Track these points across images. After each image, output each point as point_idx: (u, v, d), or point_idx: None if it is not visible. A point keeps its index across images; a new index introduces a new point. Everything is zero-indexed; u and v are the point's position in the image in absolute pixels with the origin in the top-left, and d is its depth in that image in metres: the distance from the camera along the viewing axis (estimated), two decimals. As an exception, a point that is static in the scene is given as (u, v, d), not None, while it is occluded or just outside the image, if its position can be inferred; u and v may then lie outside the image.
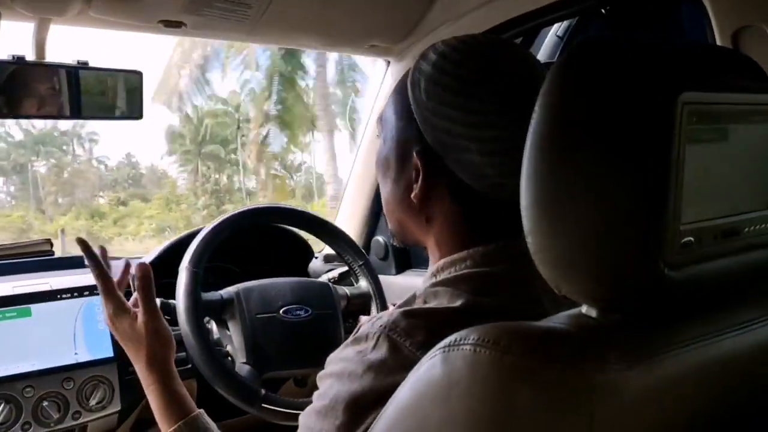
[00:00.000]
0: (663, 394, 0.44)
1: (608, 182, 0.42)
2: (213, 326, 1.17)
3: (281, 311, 1.16)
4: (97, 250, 0.94)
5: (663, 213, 0.41)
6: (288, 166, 19.83)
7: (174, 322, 1.05)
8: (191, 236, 1.17)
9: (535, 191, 0.44)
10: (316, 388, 0.62)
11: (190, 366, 1.11)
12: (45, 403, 1.03)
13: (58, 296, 1.11)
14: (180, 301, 1.06)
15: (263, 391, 1.05)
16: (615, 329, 0.44)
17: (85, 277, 1.15)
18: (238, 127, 20.14)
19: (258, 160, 18.76)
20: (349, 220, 1.64)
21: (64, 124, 21.75)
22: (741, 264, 0.48)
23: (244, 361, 1.10)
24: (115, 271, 0.96)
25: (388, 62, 1.52)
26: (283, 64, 17.05)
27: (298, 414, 0.63)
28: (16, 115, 1.07)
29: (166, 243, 1.33)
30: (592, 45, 0.45)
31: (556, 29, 1.43)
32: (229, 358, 1.12)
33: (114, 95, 1.11)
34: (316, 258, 1.56)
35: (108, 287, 0.92)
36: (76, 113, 1.09)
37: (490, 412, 0.42)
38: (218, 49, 16.93)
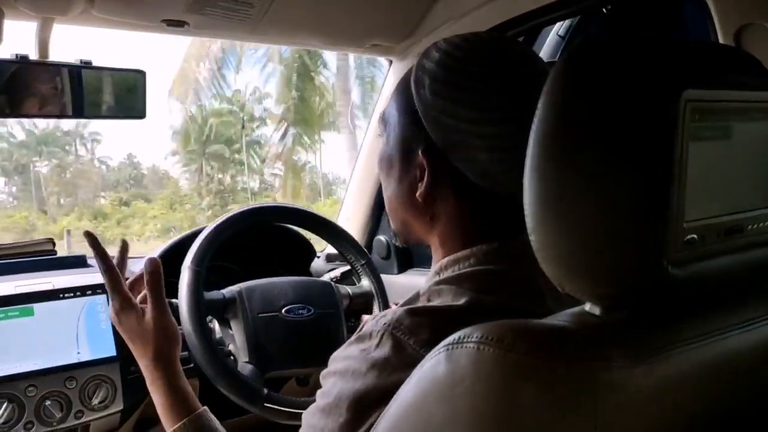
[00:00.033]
0: (666, 392, 0.44)
1: (611, 180, 0.42)
2: (215, 325, 1.17)
3: (283, 310, 1.16)
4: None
5: (666, 211, 0.41)
6: (296, 165, 19.67)
7: (176, 321, 1.05)
8: (193, 235, 1.17)
9: (538, 189, 0.44)
10: (318, 387, 0.62)
11: (192, 365, 1.11)
12: (47, 403, 1.03)
13: (61, 295, 1.11)
14: (182, 300, 1.06)
15: (266, 391, 1.05)
16: (618, 327, 0.44)
17: (87, 277, 1.15)
18: (243, 127, 20.09)
19: (279, 159, 18.49)
20: (352, 220, 1.64)
21: (67, 124, 21.81)
22: (744, 262, 0.48)
23: (247, 360, 1.10)
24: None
25: (391, 61, 1.52)
26: (305, 58, 16.76)
27: (301, 413, 0.63)
28: (19, 115, 1.07)
29: (168, 242, 1.33)
30: (594, 44, 0.45)
31: (558, 28, 1.43)
32: (232, 358, 1.12)
33: (117, 94, 1.12)
34: (318, 257, 1.56)
35: (115, 282, 0.92)
36: (79, 112, 1.09)
37: (493, 410, 0.42)
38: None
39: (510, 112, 0.60)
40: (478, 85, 0.61)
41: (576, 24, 1.42)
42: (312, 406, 0.61)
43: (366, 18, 1.29)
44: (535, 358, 0.41)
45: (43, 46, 1.05)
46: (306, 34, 1.34)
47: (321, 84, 17.84)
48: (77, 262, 1.25)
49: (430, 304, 0.61)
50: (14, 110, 1.05)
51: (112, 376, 1.09)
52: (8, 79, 1.02)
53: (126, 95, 1.12)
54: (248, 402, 1.04)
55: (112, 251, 0.95)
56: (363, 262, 1.29)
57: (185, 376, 0.92)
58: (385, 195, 0.72)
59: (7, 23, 1.02)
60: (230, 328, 1.14)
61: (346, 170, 16.25)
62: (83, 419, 1.06)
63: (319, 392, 0.61)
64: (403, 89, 0.67)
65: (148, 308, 0.91)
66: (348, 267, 1.33)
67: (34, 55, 1.05)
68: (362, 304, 1.27)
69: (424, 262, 1.60)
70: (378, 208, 1.61)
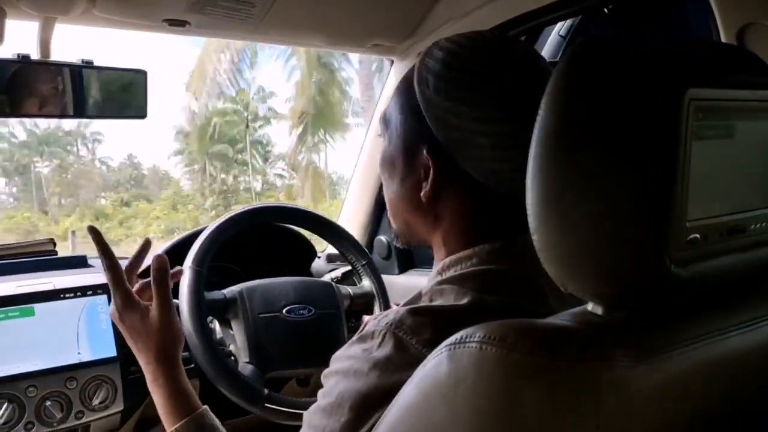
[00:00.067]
0: (669, 392, 0.44)
1: (614, 180, 0.42)
2: (216, 326, 1.17)
3: (284, 311, 1.16)
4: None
5: (669, 210, 0.41)
6: (314, 164, 19.46)
7: (177, 321, 1.05)
8: (194, 235, 1.17)
9: (541, 189, 0.44)
10: (318, 387, 0.62)
11: (193, 365, 1.11)
12: (48, 403, 1.03)
13: (61, 296, 1.11)
14: (183, 300, 1.06)
15: (266, 391, 1.05)
16: (621, 327, 0.44)
17: (88, 277, 1.15)
18: (247, 126, 20.01)
19: (292, 159, 18.11)
20: (352, 220, 1.64)
21: (69, 124, 21.82)
22: (746, 261, 0.48)
23: (247, 360, 1.10)
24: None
25: (392, 61, 1.52)
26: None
27: (302, 413, 0.63)
28: (20, 114, 1.07)
29: (169, 242, 1.33)
30: (596, 44, 0.45)
31: (559, 28, 1.43)
32: (232, 358, 1.12)
33: (118, 94, 1.11)
34: (319, 257, 1.56)
35: (117, 279, 0.89)
36: (80, 112, 1.09)
37: (496, 410, 0.41)
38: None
39: (514, 110, 0.60)
40: (482, 83, 0.61)
41: (577, 24, 1.42)
42: (313, 406, 0.61)
43: (367, 18, 1.29)
44: (538, 358, 0.41)
45: (45, 45, 1.05)
46: (307, 33, 1.34)
47: (341, 78, 17.50)
48: (78, 263, 1.25)
49: (433, 303, 0.61)
50: (15, 110, 1.05)
51: (113, 376, 1.09)
52: (9, 78, 1.02)
53: (127, 95, 1.12)
54: (249, 402, 1.04)
55: (116, 252, 0.94)
56: (364, 262, 1.29)
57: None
58: (387, 196, 0.72)
59: (9, 23, 1.02)
60: (231, 329, 1.14)
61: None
62: (84, 419, 1.06)
63: (320, 392, 0.61)
64: (405, 89, 0.67)
65: (154, 305, 0.89)
66: (349, 267, 1.33)
67: (35, 55, 1.05)
68: (363, 304, 1.27)
69: (425, 262, 1.60)
70: (379, 208, 1.61)
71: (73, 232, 15.00)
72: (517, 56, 0.63)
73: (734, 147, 0.45)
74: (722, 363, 0.48)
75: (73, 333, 1.09)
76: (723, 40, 0.90)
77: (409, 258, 1.63)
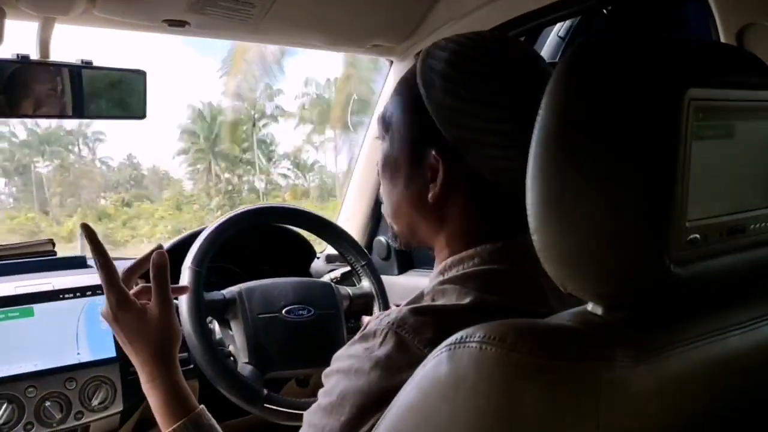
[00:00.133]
0: (668, 391, 0.44)
1: (614, 180, 0.42)
2: (215, 326, 1.17)
3: (283, 311, 1.16)
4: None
5: (669, 210, 0.41)
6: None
7: (176, 321, 1.05)
8: (194, 236, 1.17)
9: (541, 189, 0.44)
10: (318, 388, 0.62)
11: (192, 366, 1.11)
12: (47, 403, 1.03)
13: (61, 296, 1.10)
14: (182, 300, 1.06)
15: (266, 391, 1.05)
16: (621, 327, 0.44)
17: (87, 278, 1.15)
18: (254, 125, 19.90)
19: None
20: (352, 220, 1.64)
21: (70, 123, 21.74)
22: (746, 261, 0.48)
23: (247, 361, 1.10)
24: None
25: (391, 62, 1.52)
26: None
27: (301, 414, 0.63)
28: (20, 115, 1.07)
29: (168, 242, 1.33)
30: (596, 44, 0.45)
31: (558, 29, 1.43)
32: (232, 358, 1.12)
33: (117, 94, 1.11)
34: (318, 258, 1.56)
35: (111, 278, 0.87)
36: (79, 113, 1.09)
37: (496, 409, 0.41)
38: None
39: (519, 109, 0.60)
40: (489, 83, 0.61)
41: (576, 25, 1.42)
42: (314, 405, 0.61)
43: (367, 18, 1.29)
44: (538, 358, 0.41)
45: (44, 46, 1.05)
46: (307, 34, 1.34)
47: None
48: (77, 263, 1.24)
49: (435, 303, 0.61)
50: (15, 110, 1.04)
51: (112, 377, 1.09)
52: (8, 78, 1.01)
53: (126, 95, 1.12)
54: (248, 403, 1.04)
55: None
56: (363, 262, 1.29)
57: (184, 378, 0.90)
58: (389, 199, 0.70)
59: (9, 23, 1.02)
60: (230, 329, 1.14)
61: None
62: (83, 420, 1.06)
63: (321, 391, 0.61)
64: (406, 89, 0.66)
65: (153, 303, 0.86)
66: (348, 268, 1.33)
67: (35, 55, 1.05)
68: (362, 305, 1.27)
69: (425, 263, 1.60)
70: (378, 208, 1.61)
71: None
72: (518, 56, 0.63)
73: (734, 147, 0.45)
74: (722, 363, 0.48)
75: (72, 333, 1.09)
76: (723, 40, 0.90)
77: (409, 259, 1.63)
